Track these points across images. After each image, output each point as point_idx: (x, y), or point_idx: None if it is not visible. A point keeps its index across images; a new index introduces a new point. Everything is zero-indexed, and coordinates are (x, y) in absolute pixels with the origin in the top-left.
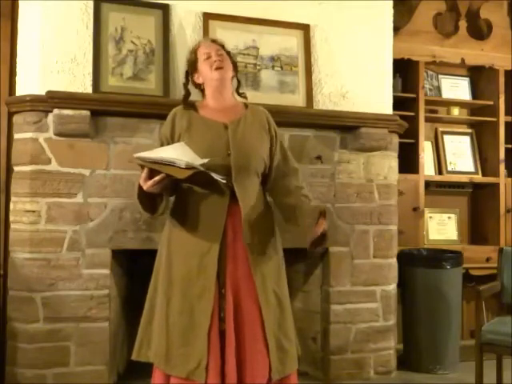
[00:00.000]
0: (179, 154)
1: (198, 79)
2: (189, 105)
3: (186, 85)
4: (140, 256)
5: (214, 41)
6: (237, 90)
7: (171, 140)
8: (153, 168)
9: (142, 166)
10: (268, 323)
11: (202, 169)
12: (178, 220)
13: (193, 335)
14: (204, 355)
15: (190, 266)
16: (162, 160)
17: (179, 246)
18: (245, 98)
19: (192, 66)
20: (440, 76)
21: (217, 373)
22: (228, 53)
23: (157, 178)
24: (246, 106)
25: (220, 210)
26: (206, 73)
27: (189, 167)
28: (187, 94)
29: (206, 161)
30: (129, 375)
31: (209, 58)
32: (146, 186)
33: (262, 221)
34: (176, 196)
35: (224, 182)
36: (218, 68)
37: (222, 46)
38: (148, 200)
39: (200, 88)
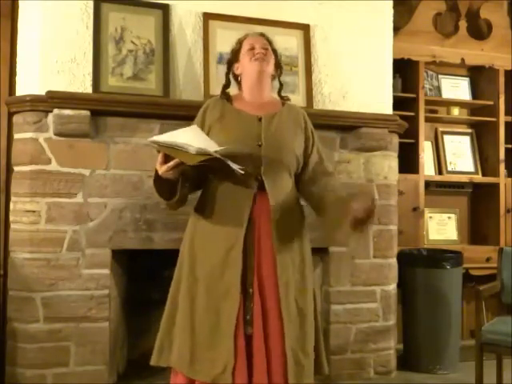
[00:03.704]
0: (191, 139)
1: (237, 70)
2: (225, 95)
3: (227, 74)
4: (140, 256)
5: (262, 34)
6: (279, 93)
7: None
8: (165, 152)
9: (159, 150)
10: (288, 335)
11: (215, 155)
12: (203, 215)
13: (219, 337)
14: (231, 359)
15: (215, 263)
16: (172, 144)
17: (203, 242)
18: (288, 100)
19: (234, 56)
20: (440, 76)
21: (243, 377)
22: (274, 51)
23: (170, 164)
24: (283, 104)
25: (245, 204)
26: (246, 64)
27: (200, 153)
28: (227, 83)
29: (220, 148)
30: (129, 375)
31: (252, 49)
32: (161, 170)
33: (291, 216)
34: (202, 190)
35: (242, 172)
36: (259, 59)
37: (270, 43)
38: (165, 185)
39: (237, 80)
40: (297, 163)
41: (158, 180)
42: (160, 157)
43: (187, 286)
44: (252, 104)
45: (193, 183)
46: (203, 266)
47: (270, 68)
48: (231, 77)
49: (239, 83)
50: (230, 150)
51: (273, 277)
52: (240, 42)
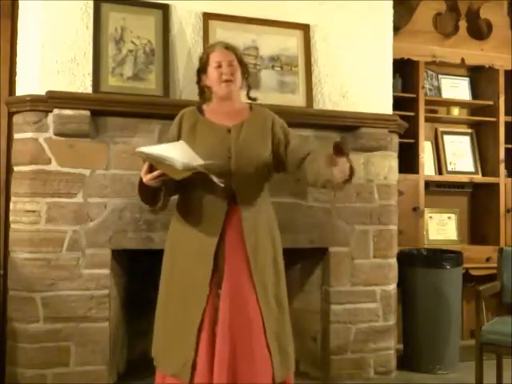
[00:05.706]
0: (178, 154)
1: (207, 81)
2: (199, 105)
3: (198, 83)
4: (140, 256)
5: (227, 47)
6: (247, 95)
7: (178, 140)
8: (152, 164)
9: (144, 160)
10: (269, 329)
11: (200, 169)
12: (180, 218)
13: (184, 333)
14: (191, 355)
15: (187, 264)
16: (160, 158)
17: (179, 244)
18: (255, 100)
19: (203, 67)
20: (440, 76)
21: (205, 373)
22: (241, 60)
23: (155, 174)
24: (251, 107)
25: (219, 212)
26: (215, 82)
27: (186, 169)
28: (202, 91)
29: (204, 162)
30: (129, 375)
31: (219, 66)
32: (146, 179)
33: (262, 222)
34: (180, 194)
35: (222, 185)
36: (227, 81)
37: (236, 54)
38: (148, 192)
39: (204, 90)
40: (267, 168)
41: (142, 187)
42: (145, 166)
43: (165, 286)
44: (223, 113)
45: (172, 189)
46: (178, 268)
47: (238, 84)
48: (200, 86)
49: (204, 92)
50: (210, 164)
51: (249, 279)
52: (207, 55)
